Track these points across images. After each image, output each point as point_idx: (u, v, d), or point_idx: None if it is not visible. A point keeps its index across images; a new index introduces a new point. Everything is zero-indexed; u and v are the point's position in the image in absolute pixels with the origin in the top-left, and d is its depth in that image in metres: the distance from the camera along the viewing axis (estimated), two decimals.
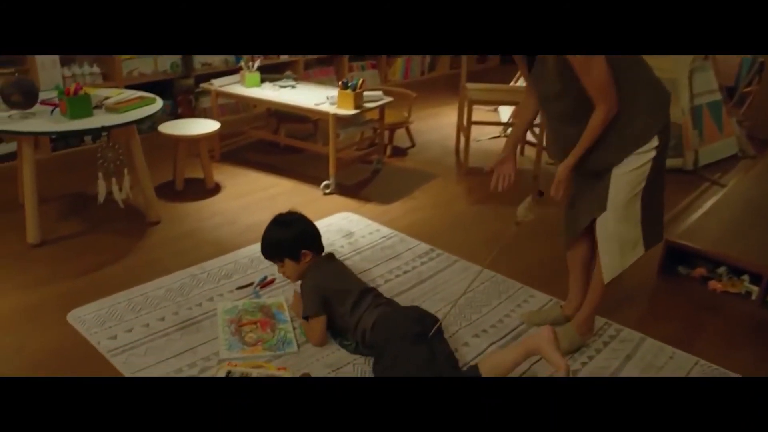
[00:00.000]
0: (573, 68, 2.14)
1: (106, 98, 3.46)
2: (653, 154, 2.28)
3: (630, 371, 2.48)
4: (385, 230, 3.57)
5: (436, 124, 5.61)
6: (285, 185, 4.19)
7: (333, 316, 2.55)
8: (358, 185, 4.24)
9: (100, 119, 3.23)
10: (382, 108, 4.28)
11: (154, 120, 4.07)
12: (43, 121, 3.19)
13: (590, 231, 2.51)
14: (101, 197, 3.36)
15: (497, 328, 2.73)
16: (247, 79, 4.34)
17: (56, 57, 4.42)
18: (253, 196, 4.01)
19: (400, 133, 5.10)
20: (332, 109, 3.91)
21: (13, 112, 3.26)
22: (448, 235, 3.56)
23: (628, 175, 2.30)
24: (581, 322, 2.59)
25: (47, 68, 4.39)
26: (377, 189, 4.19)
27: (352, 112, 3.90)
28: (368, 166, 4.54)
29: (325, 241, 3.40)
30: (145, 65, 4.87)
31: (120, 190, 3.36)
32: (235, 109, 5.53)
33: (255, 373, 2.34)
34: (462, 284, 3.03)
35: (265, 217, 3.71)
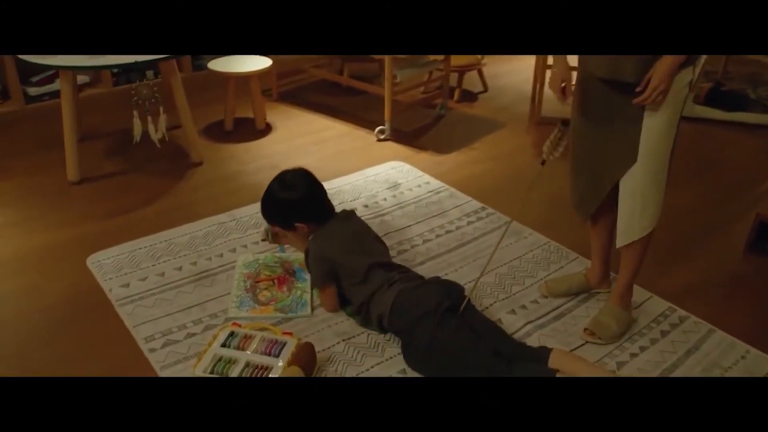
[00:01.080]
0: None
1: None
2: (689, 78, 1.90)
3: (689, 370, 2.10)
4: (436, 183, 3.26)
5: (514, 67, 5.13)
6: (339, 129, 3.93)
7: (341, 288, 2.30)
8: (417, 132, 3.92)
9: (130, 56, 3.07)
10: None
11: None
12: (79, 56, 3.06)
13: (613, 191, 2.14)
14: (137, 137, 3.23)
15: (539, 305, 2.40)
16: None
17: None
18: (303, 139, 3.78)
19: (472, 75, 4.69)
20: None
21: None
22: (505, 192, 3.20)
23: (663, 112, 1.93)
24: (622, 293, 2.24)
25: None
26: (436, 137, 3.86)
27: None
28: (432, 111, 4.20)
29: (367, 192, 3.17)
30: None
31: (156, 130, 3.21)
32: None
33: (258, 336, 2.15)
34: (509, 250, 2.70)
35: (309, 162, 3.53)
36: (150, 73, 4.26)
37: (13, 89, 4.05)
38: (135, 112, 3.19)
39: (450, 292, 2.13)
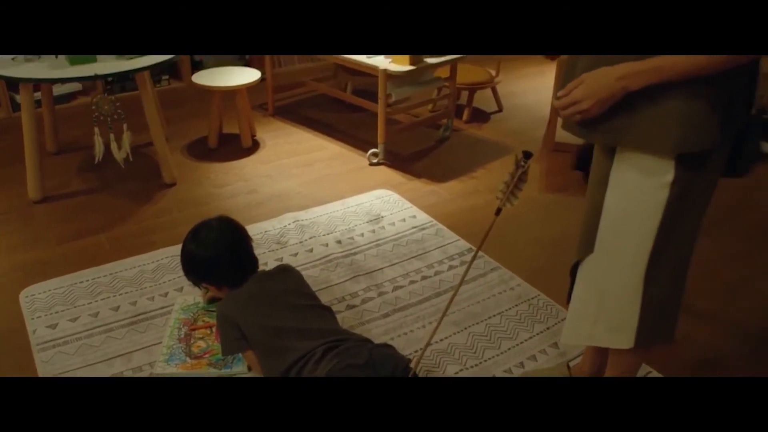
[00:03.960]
0: None
1: None
2: (670, 178, 1.40)
3: None
4: (423, 217, 2.92)
5: (532, 86, 4.74)
6: (331, 149, 3.63)
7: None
8: (415, 155, 3.59)
9: (99, 66, 2.83)
10: (453, 64, 3.56)
11: (169, 65, 3.64)
12: (42, 66, 2.84)
13: None
14: (98, 156, 2.99)
15: (513, 375, 2.04)
16: None
17: None
18: (290, 160, 3.49)
19: (485, 94, 4.33)
20: (383, 64, 3.26)
21: (20, 55, 2.94)
22: (499, 231, 2.83)
23: (632, 193, 1.46)
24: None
25: None
26: (435, 162, 3.51)
27: (407, 68, 3.22)
28: (436, 132, 3.85)
29: (344, 225, 2.85)
30: None
31: (119, 148, 2.96)
32: (303, 56, 4.97)
33: None
34: (492, 303, 2.35)
35: (289, 186, 3.24)
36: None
37: (0, 96, 3.89)
38: (96, 129, 2.94)
39: (395, 372, 1.76)
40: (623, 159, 1.45)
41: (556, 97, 1.44)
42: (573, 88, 1.40)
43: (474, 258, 1.72)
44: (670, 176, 1.39)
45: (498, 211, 1.68)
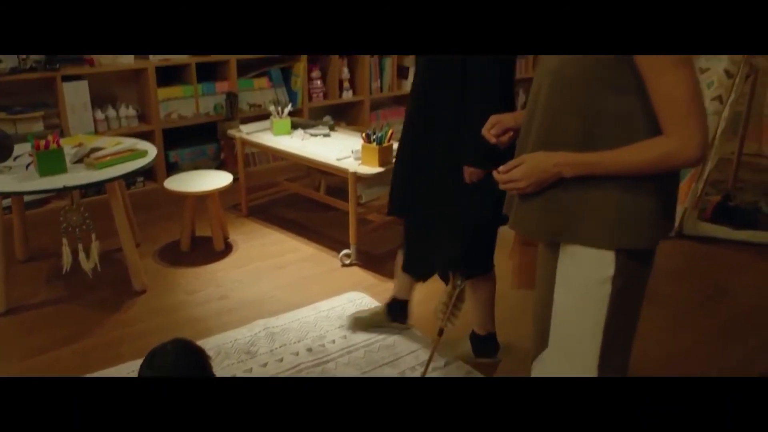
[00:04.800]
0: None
1: (96, 150, 3.08)
2: (611, 272, 1.46)
3: None
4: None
5: None
6: (304, 251, 3.63)
7: None
8: (387, 255, 3.59)
9: (68, 177, 2.85)
10: None
11: (145, 170, 3.67)
12: (10, 179, 2.85)
13: None
14: (66, 266, 2.96)
15: None
16: (275, 127, 3.86)
17: (87, 99, 4.18)
18: (263, 263, 3.48)
19: None
20: (353, 166, 3.31)
21: None
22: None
23: (577, 289, 1.51)
24: None
25: (77, 111, 4.15)
26: None
27: (377, 170, 3.28)
28: None
29: (316, 331, 2.82)
30: (185, 107, 4.53)
31: (87, 258, 2.94)
32: (276, 156, 5.04)
33: None
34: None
35: (262, 293, 3.21)
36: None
37: None
38: (64, 240, 2.93)
39: None
40: (566, 254, 1.52)
41: (497, 171, 1.53)
42: (513, 166, 1.50)
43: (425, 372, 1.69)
44: (611, 270, 1.45)
45: (440, 332, 1.69)
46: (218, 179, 3.56)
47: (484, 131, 1.74)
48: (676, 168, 1.39)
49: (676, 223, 3.88)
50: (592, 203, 1.44)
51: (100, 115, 4.27)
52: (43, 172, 2.86)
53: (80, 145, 3.25)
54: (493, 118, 1.73)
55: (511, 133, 1.71)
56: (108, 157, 3.01)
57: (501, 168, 1.52)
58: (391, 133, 3.33)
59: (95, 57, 4.18)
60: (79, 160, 3.04)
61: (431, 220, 2.44)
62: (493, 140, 1.72)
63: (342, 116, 5.44)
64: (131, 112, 4.39)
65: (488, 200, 2.31)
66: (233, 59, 4.62)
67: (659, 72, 1.31)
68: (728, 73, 3.90)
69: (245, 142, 3.94)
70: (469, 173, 2.30)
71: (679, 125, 1.32)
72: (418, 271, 2.65)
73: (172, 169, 4.54)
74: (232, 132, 4.00)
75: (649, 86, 1.34)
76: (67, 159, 2.99)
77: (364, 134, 3.32)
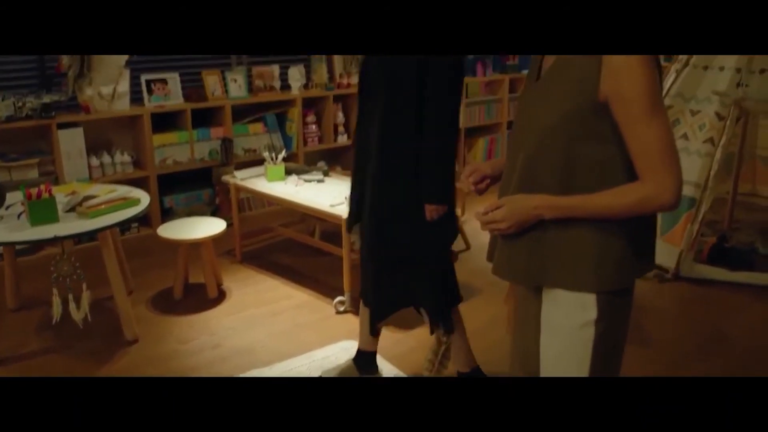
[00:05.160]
0: (615, 102, 1.38)
1: (89, 198, 3.08)
2: (594, 315, 1.49)
3: None
4: (389, 369, 2.85)
5: None
6: (298, 298, 3.60)
7: None
8: None
9: (60, 227, 2.83)
10: None
11: (139, 217, 3.66)
12: (1, 228, 2.84)
13: None
14: (56, 317, 2.93)
15: None
16: (268, 173, 3.86)
17: (83, 146, 4.20)
18: (256, 311, 3.45)
19: None
20: (346, 213, 3.30)
21: None
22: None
23: (561, 334, 1.53)
24: None
25: (72, 157, 4.17)
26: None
27: None
28: None
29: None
30: (180, 153, 4.55)
31: (78, 309, 2.91)
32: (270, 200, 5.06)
33: None
34: None
35: (256, 341, 3.17)
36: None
37: None
38: (54, 290, 2.90)
39: None
40: (549, 299, 1.55)
41: (479, 213, 1.56)
42: (494, 208, 1.52)
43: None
44: (593, 314, 1.48)
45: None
46: (212, 226, 3.55)
47: (463, 179, 1.75)
48: (652, 212, 1.44)
49: (673, 265, 3.87)
50: (571, 246, 1.48)
51: (95, 161, 4.28)
52: (35, 221, 2.85)
53: (73, 193, 3.25)
54: (470, 167, 1.76)
55: (488, 181, 1.75)
56: (102, 206, 3.00)
57: (482, 209, 1.56)
58: None
59: (90, 104, 4.20)
60: (72, 209, 3.03)
61: (396, 263, 2.44)
62: (471, 188, 1.75)
63: (337, 160, 5.47)
64: (126, 158, 4.41)
65: (450, 235, 2.33)
66: (228, 105, 4.65)
67: (634, 121, 1.36)
68: (719, 116, 3.93)
69: (239, 188, 3.95)
70: (431, 211, 2.30)
71: (655, 172, 1.36)
72: (383, 315, 2.61)
73: (167, 214, 4.54)
74: (226, 178, 4.01)
75: (625, 134, 1.38)
76: (60, 207, 2.99)
77: None
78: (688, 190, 3.98)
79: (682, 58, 4.20)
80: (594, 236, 1.46)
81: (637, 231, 1.48)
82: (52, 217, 2.89)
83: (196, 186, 4.72)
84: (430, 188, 2.28)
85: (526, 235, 1.52)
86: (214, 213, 4.67)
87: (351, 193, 2.56)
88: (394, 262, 2.44)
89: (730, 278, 3.84)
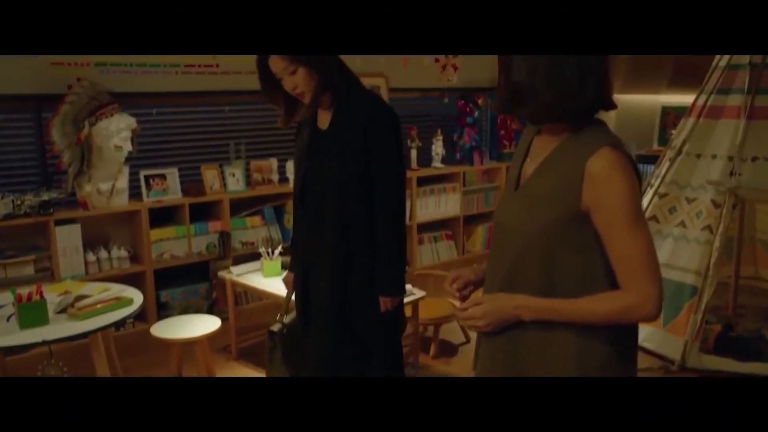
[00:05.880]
0: (597, 212, 1.38)
1: (81, 298, 3.04)
2: None
3: None
4: None
5: None
6: None
7: None
8: None
9: (49, 330, 2.78)
10: (415, 304, 3.58)
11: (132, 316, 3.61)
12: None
13: None
14: None
15: None
16: (265, 269, 3.84)
17: (79, 242, 4.19)
18: None
19: (450, 325, 4.32)
20: None
21: None
22: None
23: None
24: None
25: (69, 254, 4.15)
26: None
27: None
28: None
29: None
30: (177, 247, 4.54)
31: None
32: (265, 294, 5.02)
33: None
34: None
35: None
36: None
37: None
38: None
39: None
40: None
41: (458, 308, 1.58)
42: (473, 304, 1.53)
43: None
44: None
45: None
46: (206, 324, 3.49)
47: (446, 286, 1.73)
48: (632, 321, 1.45)
49: (678, 357, 3.77)
50: (553, 349, 1.47)
51: (91, 257, 4.26)
52: (24, 324, 2.81)
53: (66, 292, 3.21)
54: (453, 273, 1.75)
55: (472, 287, 1.73)
56: (95, 306, 2.96)
57: (462, 305, 1.56)
58: None
59: (88, 200, 4.23)
60: (63, 310, 2.98)
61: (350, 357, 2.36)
62: (456, 295, 1.74)
63: None
64: (123, 253, 4.39)
65: (401, 324, 2.33)
66: (226, 199, 4.68)
67: (617, 231, 1.37)
68: (715, 203, 3.94)
69: (235, 284, 3.91)
70: (385, 302, 2.25)
71: (637, 281, 1.37)
72: None
73: (164, 308, 4.48)
74: (222, 274, 3.98)
75: (607, 244, 1.39)
76: (51, 308, 2.94)
77: None
78: (689, 278, 3.95)
79: (675, 145, 4.24)
80: (576, 339, 1.44)
81: (619, 335, 1.46)
82: (41, 320, 2.84)
83: (193, 280, 4.68)
84: (385, 281, 2.23)
85: (505, 334, 1.51)
86: (211, 307, 4.61)
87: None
88: (350, 355, 2.36)
89: (739, 369, 3.74)
